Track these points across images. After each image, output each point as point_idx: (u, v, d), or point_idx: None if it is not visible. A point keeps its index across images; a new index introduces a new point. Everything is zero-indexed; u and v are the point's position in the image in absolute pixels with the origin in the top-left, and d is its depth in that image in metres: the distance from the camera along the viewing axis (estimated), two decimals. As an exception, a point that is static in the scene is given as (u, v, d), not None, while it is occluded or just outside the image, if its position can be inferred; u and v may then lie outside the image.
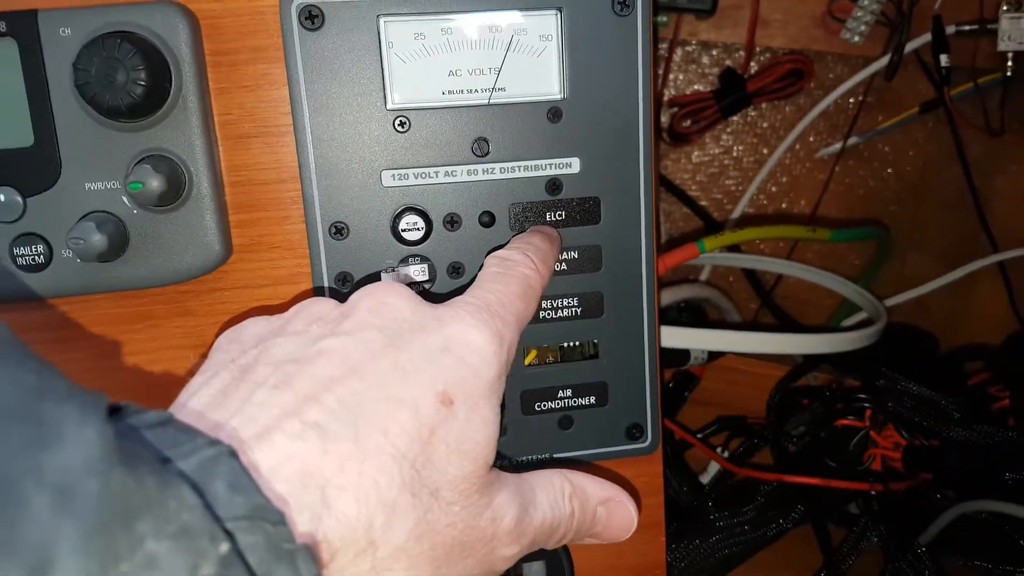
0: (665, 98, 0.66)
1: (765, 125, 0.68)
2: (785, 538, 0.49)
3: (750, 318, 0.69)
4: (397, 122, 0.32)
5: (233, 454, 0.17)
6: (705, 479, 0.54)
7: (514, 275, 0.28)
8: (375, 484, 0.19)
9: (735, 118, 0.67)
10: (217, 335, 0.25)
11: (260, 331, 0.24)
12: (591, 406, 0.36)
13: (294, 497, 0.18)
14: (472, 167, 0.33)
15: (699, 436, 0.52)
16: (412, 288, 0.33)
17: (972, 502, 0.42)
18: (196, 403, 0.21)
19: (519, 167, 0.33)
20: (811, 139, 0.68)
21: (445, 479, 0.21)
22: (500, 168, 0.33)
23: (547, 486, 0.26)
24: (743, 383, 0.58)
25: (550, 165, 0.33)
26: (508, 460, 0.36)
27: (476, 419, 0.22)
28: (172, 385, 0.32)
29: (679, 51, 0.65)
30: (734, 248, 0.67)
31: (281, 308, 0.33)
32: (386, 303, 0.24)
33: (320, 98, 0.31)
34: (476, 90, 0.33)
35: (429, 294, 0.33)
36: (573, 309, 0.35)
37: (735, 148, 0.68)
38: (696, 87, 0.67)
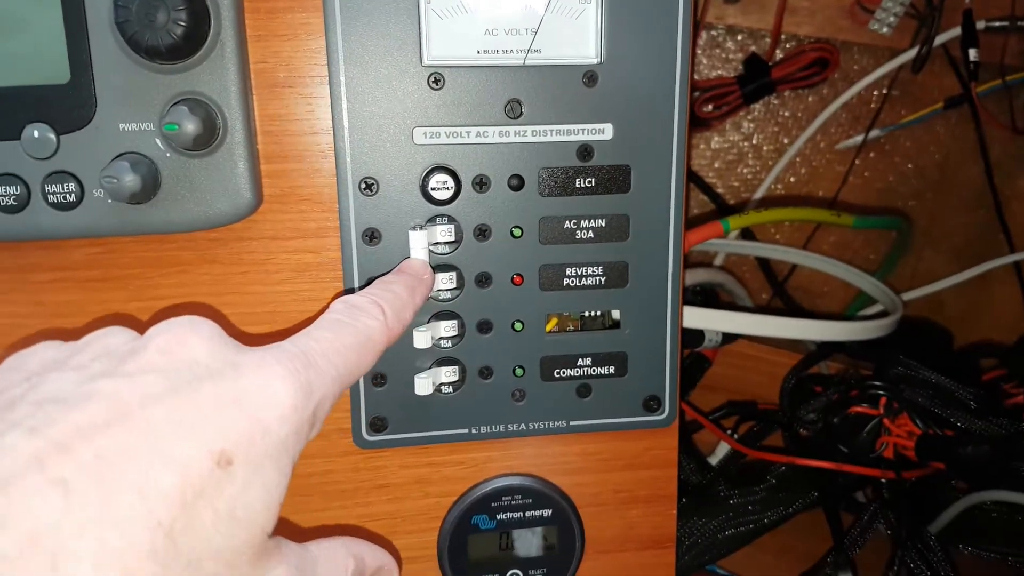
0: (688, 82, 0.66)
1: (787, 114, 0.67)
2: (790, 525, 0.49)
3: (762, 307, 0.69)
4: (431, 79, 0.32)
5: None
6: (712, 462, 0.54)
7: (353, 325, 0.25)
8: (117, 552, 0.17)
9: (757, 105, 0.67)
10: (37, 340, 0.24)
11: (46, 359, 0.22)
12: (610, 376, 0.36)
13: (21, 560, 0.16)
14: (504, 128, 0.33)
15: (710, 418, 0.52)
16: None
17: (985, 492, 0.42)
18: None
19: (551, 131, 0.33)
20: (832, 130, 0.67)
21: (209, 548, 0.19)
22: (532, 131, 0.33)
23: (330, 561, 0.24)
24: (754, 369, 0.57)
25: (583, 130, 0.33)
26: (524, 426, 0.36)
27: (257, 483, 0.20)
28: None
29: (704, 35, 0.65)
30: (750, 236, 0.67)
31: (303, 270, 0.33)
32: (181, 343, 0.21)
33: (356, 50, 0.31)
34: (512, 50, 0.32)
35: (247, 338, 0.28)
36: (598, 278, 0.35)
37: (755, 136, 0.68)
38: (719, 72, 0.66)
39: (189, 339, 0.21)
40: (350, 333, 0.25)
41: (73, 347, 0.23)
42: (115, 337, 0.23)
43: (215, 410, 0.20)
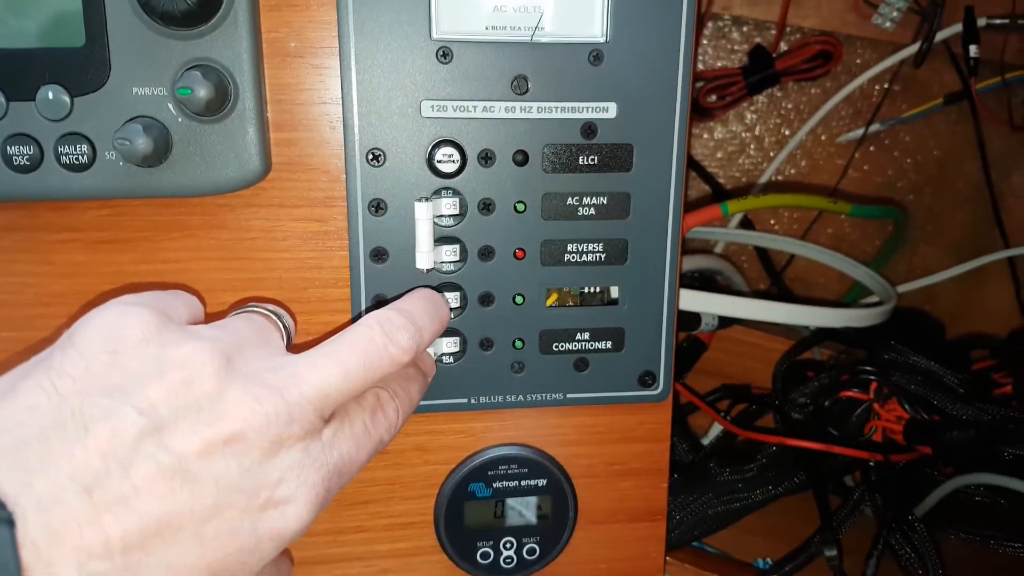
0: (692, 71, 0.67)
1: (789, 106, 0.68)
2: (778, 508, 0.49)
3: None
4: (440, 53, 0.33)
5: (11, 523, 0.16)
6: (704, 443, 0.54)
7: (376, 441, 0.27)
8: None
9: (760, 97, 0.67)
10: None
11: (138, 349, 0.22)
12: (607, 351, 0.37)
13: None
14: (510, 104, 0.33)
15: (704, 400, 0.53)
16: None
17: (970, 475, 0.42)
18: (18, 434, 0.19)
19: (556, 108, 0.34)
20: (833, 123, 0.68)
21: None
22: (537, 107, 0.34)
23: None
24: (748, 355, 0.58)
25: (587, 108, 0.34)
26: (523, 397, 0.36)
27: None
28: (205, 294, 0.33)
29: (710, 25, 0.66)
30: (749, 226, 0.68)
31: (309, 237, 0.34)
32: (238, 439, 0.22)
33: (366, 22, 0.32)
34: (519, 27, 0.33)
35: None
36: (598, 254, 0.36)
37: (757, 127, 0.69)
38: (723, 63, 0.67)
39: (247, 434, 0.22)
40: (371, 450, 0.26)
41: (162, 344, 0.22)
42: (202, 384, 0.22)
43: (232, 534, 0.21)
